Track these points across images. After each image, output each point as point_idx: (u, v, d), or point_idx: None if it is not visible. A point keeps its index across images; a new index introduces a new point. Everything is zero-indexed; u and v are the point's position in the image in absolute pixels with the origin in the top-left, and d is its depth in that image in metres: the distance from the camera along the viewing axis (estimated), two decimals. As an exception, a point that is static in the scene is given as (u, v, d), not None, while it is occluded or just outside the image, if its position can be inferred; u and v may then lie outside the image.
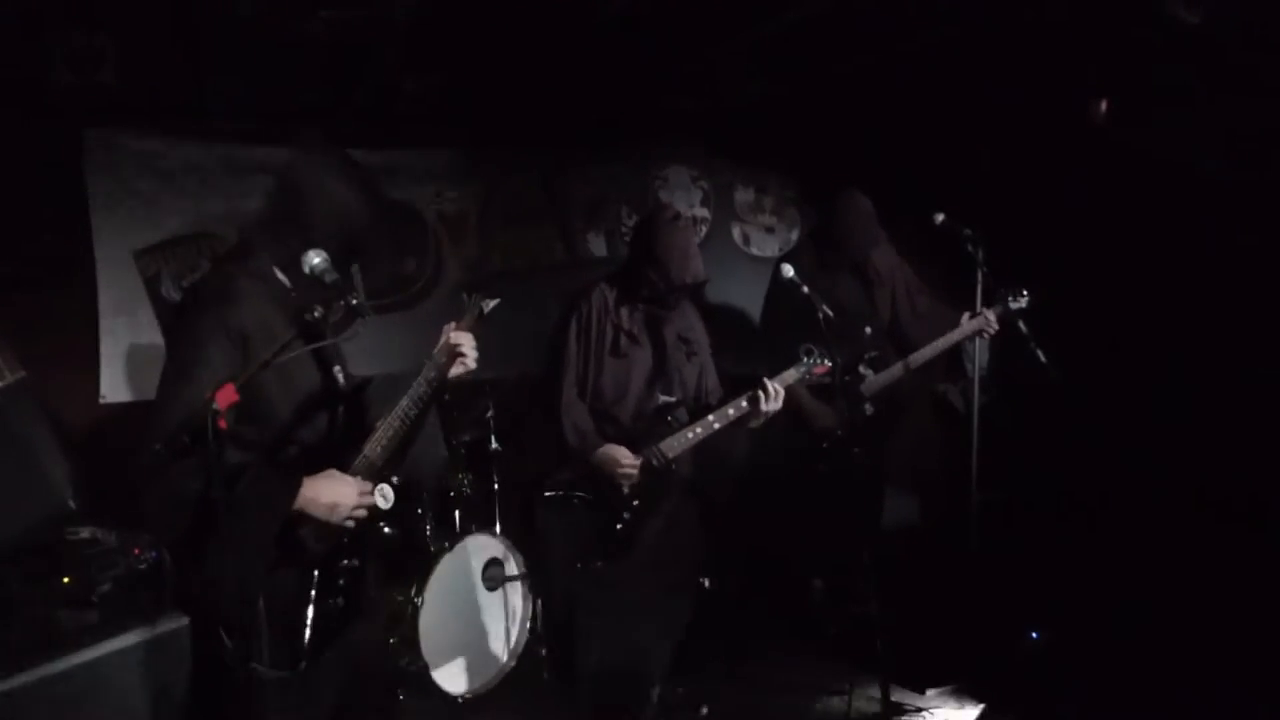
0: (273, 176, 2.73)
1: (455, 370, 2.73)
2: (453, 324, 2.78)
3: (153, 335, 4.52)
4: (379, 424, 2.64)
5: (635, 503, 3.52)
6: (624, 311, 3.65)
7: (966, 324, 4.40)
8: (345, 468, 2.54)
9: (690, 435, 3.56)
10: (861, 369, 4.40)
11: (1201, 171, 4.51)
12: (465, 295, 2.86)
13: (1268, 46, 4.01)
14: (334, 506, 2.45)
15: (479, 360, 2.75)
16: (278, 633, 2.37)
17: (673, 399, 3.68)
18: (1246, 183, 4.43)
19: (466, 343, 2.71)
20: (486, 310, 2.84)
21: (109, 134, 4.43)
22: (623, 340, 3.62)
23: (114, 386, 4.43)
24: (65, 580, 2.97)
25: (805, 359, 3.63)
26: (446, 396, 2.80)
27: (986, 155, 5.27)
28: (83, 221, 4.39)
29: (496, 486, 4.53)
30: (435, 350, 2.72)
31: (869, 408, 4.38)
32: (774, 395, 3.53)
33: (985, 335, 4.40)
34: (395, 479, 2.64)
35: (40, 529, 3.15)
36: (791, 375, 3.62)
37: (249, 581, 2.34)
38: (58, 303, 4.28)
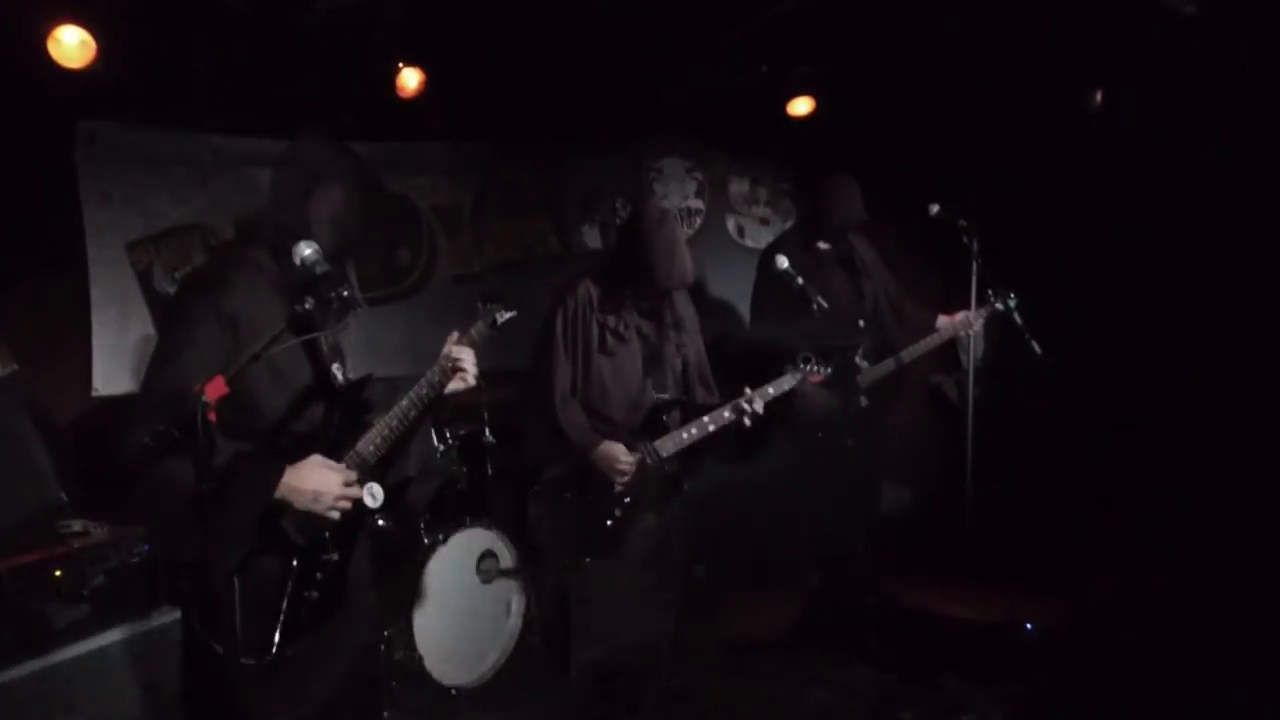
0: (273, 167, 2.72)
1: (454, 386, 2.70)
2: (455, 334, 2.75)
3: (145, 328, 4.50)
4: (376, 422, 2.63)
5: (627, 499, 3.51)
6: (610, 310, 3.61)
7: (946, 326, 4.44)
8: (336, 461, 2.53)
9: (685, 436, 3.56)
10: (857, 360, 4.40)
11: (1198, 162, 4.51)
12: (480, 304, 2.82)
13: (1264, 37, 4.00)
14: (317, 495, 2.43)
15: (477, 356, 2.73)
16: (251, 620, 2.36)
17: (666, 396, 3.67)
18: (1243, 173, 4.44)
19: (467, 358, 2.68)
20: (501, 321, 2.79)
21: (100, 125, 4.40)
22: (609, 339, 3.59)
23: (106, 379, 4.41)
24: (57, 574, 2.96)
25: (802, 365, 3.64)
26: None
27: (981, 147, 5.27)
28: (74, 213, 4.36)
29: (490, 479, 4.53)
30: (440, 356, 2.70)
31: (864, 399, 4.38)
32: (762, 405, 3.54)
33: (968, 334, 4.46)
34: (387, 479, 2.63)
35: (32, 521, 3.14)
36: (787, 382, 3.63)
37: (227, 565, 2.33)
38: (49, 295, 4.25)
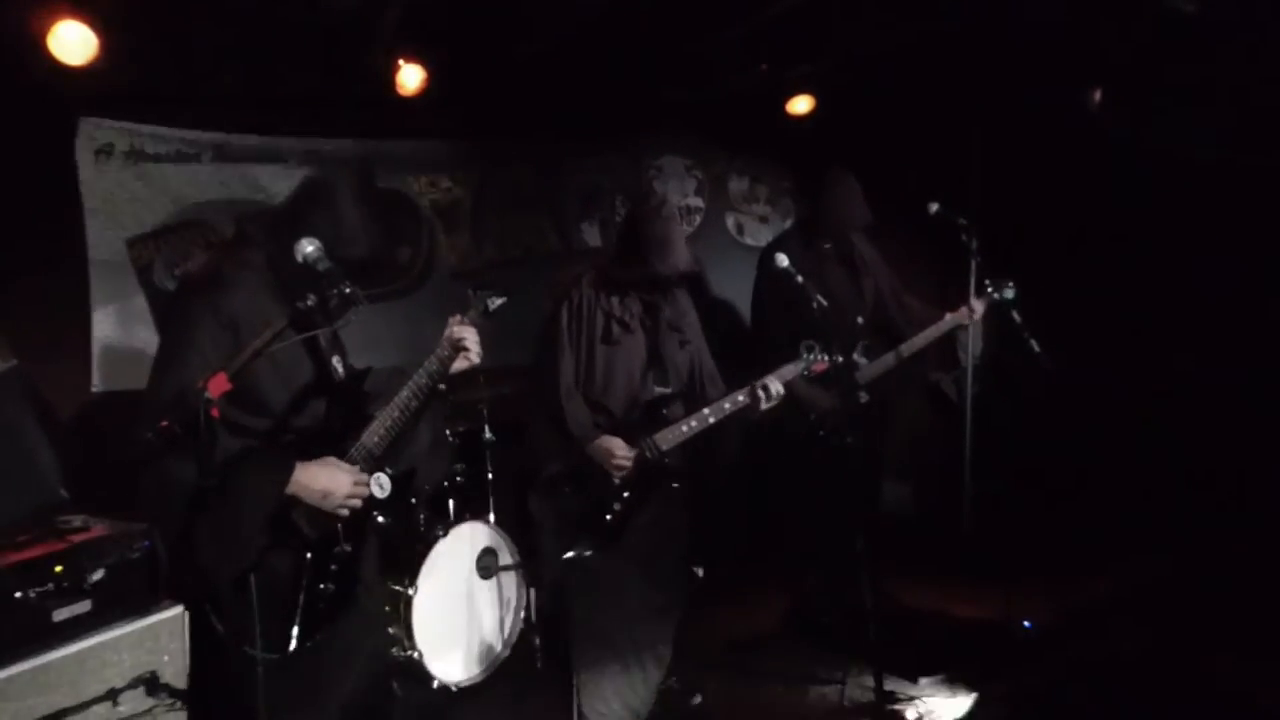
0: (300, 182, 2.76)
1: (459, 365, 2.74)
2: (457, 316, 2.77)
3: (145, 324, 4.50)
4: (378, 413, 2.65)
5: (626, 494, 3.51)
6: (615, 299, 3.62)
7: (949, 317, 4.45)
8: (343, 456, 2.54)
9: (685, 429, 3.56)
10: (856, 357, 4.41)
11: (1197, 159, 4.52)
12: (471, 292, 2.86)
13: (1264, 37, 4.01)
14: (326, 493, 2.45)
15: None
16: (269, 615, 2.36)
17: (668, 390, 3.67)
18: (1242, 173, 4.44)
19: (470, 337, 2.72)
20: (493, 308, 2.84)
21: (101, 121, 4.40)
22: (615, 328, 3.60)
23: (106, 375, 4.41)
24: (57, 569, 2.95)
25: (805, 355, 3.64)
26: (443, 387, 2.79)
27: (979, 144, 5.28)
28: (75, 210, 4.36)
29: (490, 476, 4.53)
30: (442, 340, 2.73)
31: (864, 396, 4.38)
32: (774, 395, 3.54)
33: (969, 322, 4.45)
34: (390, 469, 2.65)
35: (32, 517, 3.14)
36: (790, 371, 3.63)
37: (240, 563, 2.33)
38: (49, 291, 4.25)
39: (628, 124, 5.81)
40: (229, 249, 2.72)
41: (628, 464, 3.47)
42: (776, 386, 3.55)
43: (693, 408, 3.67)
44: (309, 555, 2.47)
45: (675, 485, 3.66)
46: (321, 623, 2.47)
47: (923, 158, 5.27)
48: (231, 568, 2.34)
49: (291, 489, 2.42)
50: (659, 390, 3.63)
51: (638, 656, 3.62)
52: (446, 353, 2.70)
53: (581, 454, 3.49)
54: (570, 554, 3.54)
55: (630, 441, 3.50)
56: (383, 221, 2.79)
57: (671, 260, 3.53)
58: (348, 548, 2.54)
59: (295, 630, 2.41)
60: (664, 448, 3.54)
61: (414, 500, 4.19)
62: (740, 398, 3.55)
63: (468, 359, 2.74)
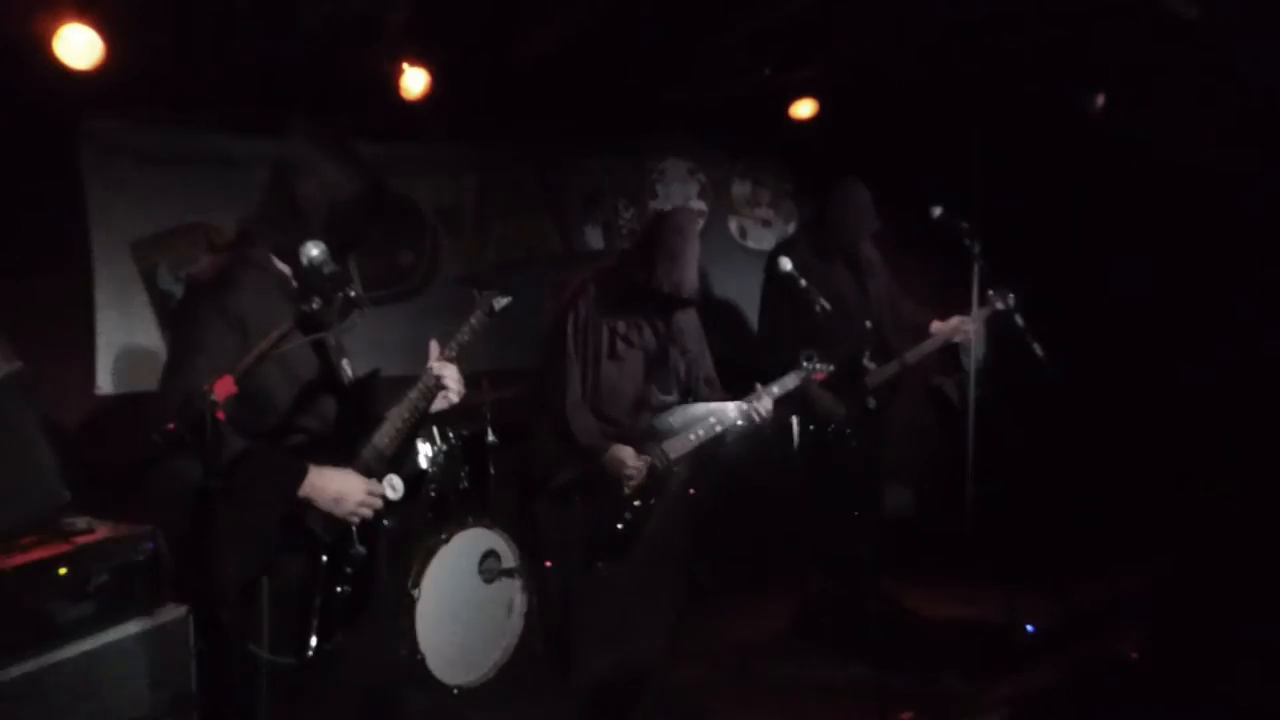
0: (268, 165, 2.73)
1: (438, 405, 2.74)
2: (435, 346, 2.77)
3: (149, 327, 4.51)
4: (388, 414, 2.66)
5: (636, 503, 3.53)
6: (618, 316, 3.63)
7: (942, 330, 4.44)
8: (353, 456, 2.55)
9: (692, 437, 3.57)
10: (865, 361, 4.41)
11: (1198, 164, 4.52)
12: (476, 292, 2.85)
13: (1264, 37, 4.02)
14: (339, 498, 2.46)
15: (479, 357, 2.76)
16: (282, 619, 2.37)
17: (671, 398, 3.68)
18: (1243, 175, 4.45)
19: (449, 374, 2.71)
20: (499, 308, 2.83)
21: (105, 125, 4.42)
22: (619, 345, 3.62)
23: (110, 378, 4.41)
24: (61, 571, 2.96)
25: (805, 364, 3.66)
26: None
27: (982, 148, 5.28)
28: (79, 213, 4.38)
29: (493, 479, 4.54)
30: (424, 371, 2.73)
31: (871, 401, 4.39)
32: (764, 412, 3.56)
33: (963, 337, 4.44)
34: (403, 471, 2.66)
35: (36, 519, 3.14)
36: (791, 381, 3.64)
37: (253, 565, 2.34)
38: (54, 294, 4.26)
39: (630, 127, 5.82)
40: (234, 248, 2.71)
41: (640, 474, 3.49)
42: (766, 405, 3.58)
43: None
44: (325, 558, 2.47)
45: (691, 491, 3.67)
46: (338, 626, 2.47)
47: (925, 161, 5.27)
48: (244, 570, 2.34)
49: (305, 491, 2.43)
50: (664, 399, 3.65)
51: (639, 659, 3.63)
52: (431, 384, 2.71)
53: (591, 464, 3.50)
54: (581, 562, 3.55)
55: (639, 450, 3.52)
56: (362, 168, 2.70)
57: (676, 277, 3.54)
58: (363, 550, 2.55)
59: (312, 634, 2.42)
60: (673, 456, 3.55)
61: (417, 503, 4.19)
62: (743, 406, 3.57)
63: (447, 399, 2.74)
